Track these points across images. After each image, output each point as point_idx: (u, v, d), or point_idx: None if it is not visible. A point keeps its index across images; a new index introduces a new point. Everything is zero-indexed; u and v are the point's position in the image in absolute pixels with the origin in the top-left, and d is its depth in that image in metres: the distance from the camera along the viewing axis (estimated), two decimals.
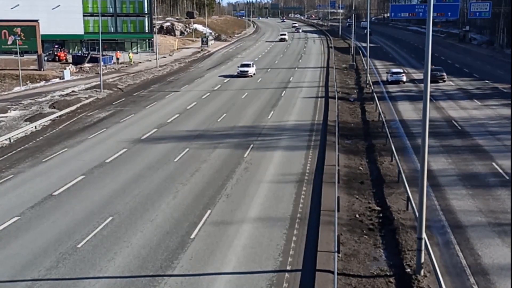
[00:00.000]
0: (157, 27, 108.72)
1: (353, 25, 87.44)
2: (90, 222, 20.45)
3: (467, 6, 78.37)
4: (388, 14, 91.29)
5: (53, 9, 77.47)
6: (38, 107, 44.46)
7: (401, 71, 57.05)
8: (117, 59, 76.33)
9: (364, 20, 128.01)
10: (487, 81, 54.69)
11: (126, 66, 72.99)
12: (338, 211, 20.54)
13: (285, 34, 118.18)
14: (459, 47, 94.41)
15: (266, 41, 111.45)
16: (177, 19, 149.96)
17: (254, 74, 62.19)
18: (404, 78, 54.92)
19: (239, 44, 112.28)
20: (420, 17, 60.03)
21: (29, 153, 31.09)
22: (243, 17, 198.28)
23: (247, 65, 63.00)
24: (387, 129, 32.55)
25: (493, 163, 27.03)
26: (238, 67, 63.74)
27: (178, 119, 38.90)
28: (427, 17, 15.59)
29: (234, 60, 79.92)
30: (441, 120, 37.18)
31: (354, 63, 70.44)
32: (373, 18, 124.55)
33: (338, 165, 26.22)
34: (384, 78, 56.84)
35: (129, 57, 76.93)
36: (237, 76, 60.80)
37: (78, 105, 45.46)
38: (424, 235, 16.27)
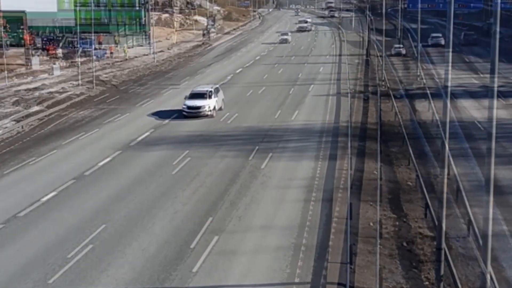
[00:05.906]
0: (154, 18, 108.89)
1: (372, 18, 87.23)
2: (81, 231, 20.47)
3: None
4: (405, 5, 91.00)
5: None
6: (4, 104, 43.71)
7: (401, 45, 73.15)
8: (111, 53, 76.44)
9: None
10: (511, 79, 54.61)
11: (122, 62, 72.93)
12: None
13: (287, 34, 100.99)
14: (481, 40, 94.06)
15: (262, 43, 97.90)
16: (176, 9, 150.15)
17: (220, 108, 39.83)
18: (403, 51, 71.43)
19: (244, 36, 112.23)
20: (440, 8, 60.02)
21: (15, 154, 31.19)
22: (248, 7, 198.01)
23: (201, 95, 38.54)
24: (421, 133, 32.37)
25: None
26: (185, 97, 39.56)
27: (177, 119, 38.79)
28: (495, 8, 14.34)
29: (238, 54, 79.89)
30: (460, 120, 36.98)
31: (369, 58, 70.35)
32: (389, 10, 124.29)
33: (379, 176, 25.33)
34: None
35: (124, 50, 76.87)
36: (184, 116, 38.23)
37: (68, 103, 45.46)
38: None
